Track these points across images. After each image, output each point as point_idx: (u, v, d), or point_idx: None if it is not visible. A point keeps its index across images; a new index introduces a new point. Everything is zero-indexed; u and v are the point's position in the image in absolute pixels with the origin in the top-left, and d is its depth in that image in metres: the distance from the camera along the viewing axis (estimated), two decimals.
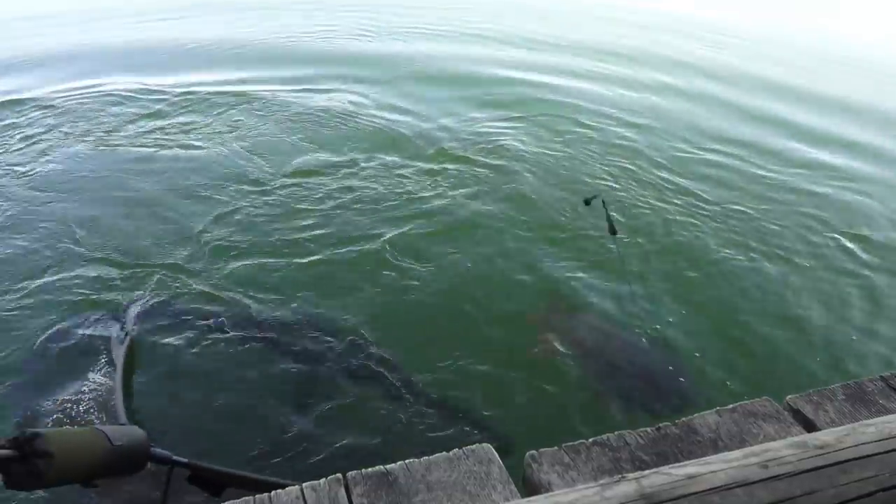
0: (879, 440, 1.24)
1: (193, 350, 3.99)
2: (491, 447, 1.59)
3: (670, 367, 4.04)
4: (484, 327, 4.33)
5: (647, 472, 1.19)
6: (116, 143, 7.05)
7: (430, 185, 6.26)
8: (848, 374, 4.07)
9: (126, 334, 3.88)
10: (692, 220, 5.97)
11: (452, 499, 1.44)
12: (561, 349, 4.14)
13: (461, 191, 6.17)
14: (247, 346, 4.06)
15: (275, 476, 2.43)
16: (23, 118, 7.67)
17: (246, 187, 6.03)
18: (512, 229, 5.56)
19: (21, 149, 6.81)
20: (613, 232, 4.36)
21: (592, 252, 5.27)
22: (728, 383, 3.99)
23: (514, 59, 11.65)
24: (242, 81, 9.29)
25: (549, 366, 4.02)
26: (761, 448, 1.24)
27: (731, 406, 1.74)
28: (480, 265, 5.01)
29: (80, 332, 4.05)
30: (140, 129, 7.42)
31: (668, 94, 10.25)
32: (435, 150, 7.10)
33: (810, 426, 1.67)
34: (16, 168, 6.35)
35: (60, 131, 7.28)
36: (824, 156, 8.03)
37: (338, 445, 3.36)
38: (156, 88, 8.75)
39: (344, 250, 5.10)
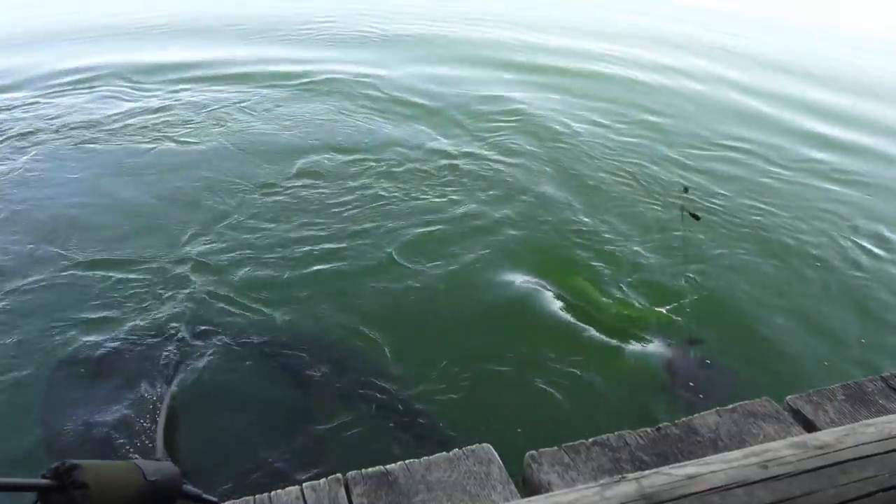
0: (879, 440, 1.24)
1: (191, 350, 3.99)
2: (491, 447, 1.60)
3: (707, 361, 4.14)
4: (488, 327, 4.34)
5: (647, 472, 1.19)
6: (102, 139, 7.02)
7: (439, 184, 6.25)
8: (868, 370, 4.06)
9: (175, 373, 3.79)
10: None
11: (452, 499, 1.44)
12: None
13: (481, 191, 6.17)
14: (246, 346, 4.05)
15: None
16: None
17: (249, 185, 6.03)
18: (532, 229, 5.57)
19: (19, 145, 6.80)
20: (696, 217, 5.40)
21: (607, 253, 5.29)
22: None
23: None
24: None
25: (549, 366, 4.02)
26: (761, 448, 1.24)
27: (731, 406, 1.75)
28: (493, 267, 4.99)
29: (121, 351, 3.92)
30: (124, 125, 7.39)
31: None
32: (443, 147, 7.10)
33: (810, 426, 1.67)
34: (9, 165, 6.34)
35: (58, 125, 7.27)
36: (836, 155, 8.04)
37: (338, 445, 3.35)
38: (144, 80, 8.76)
39: (349, 251, 5.07)
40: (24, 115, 7.67)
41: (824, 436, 1.27)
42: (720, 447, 1.59)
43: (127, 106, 8.00)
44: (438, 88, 9.08)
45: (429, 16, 14.04)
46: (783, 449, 1.22)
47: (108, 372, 3.76)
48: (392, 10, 14.20)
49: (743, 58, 12.39)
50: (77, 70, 9.32)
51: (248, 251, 5.00)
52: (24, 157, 6.52)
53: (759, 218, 6.06)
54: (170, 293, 4.47)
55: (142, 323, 4.16)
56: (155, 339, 4.03)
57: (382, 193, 6.01)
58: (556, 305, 4.54)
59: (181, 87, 8.70)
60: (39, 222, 5.37)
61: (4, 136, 7.04)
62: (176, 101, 8.16)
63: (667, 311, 4.59)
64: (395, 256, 5.00)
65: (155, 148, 6.81)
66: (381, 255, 5.03)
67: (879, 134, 8.86)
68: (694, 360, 4.14)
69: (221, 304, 4.39)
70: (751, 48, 13.42)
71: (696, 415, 1.72)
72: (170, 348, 3.95)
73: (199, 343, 4.03)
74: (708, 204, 6.22)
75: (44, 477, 1.50)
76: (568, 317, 4.43)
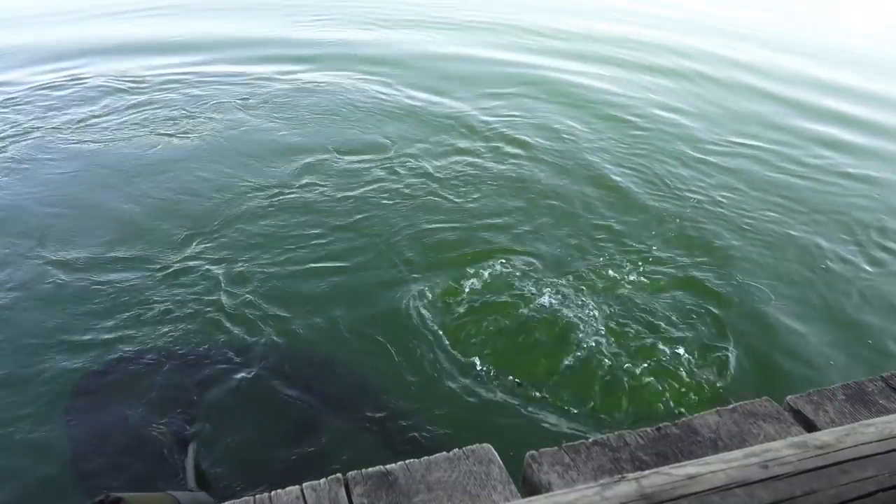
0: (879, 440, 1.24)
1: (193, 353, 3.99)
2: (491, 447, 1.60)
3: None
4: (488, 327, 4.33)
5: (647, 472, 1.19)
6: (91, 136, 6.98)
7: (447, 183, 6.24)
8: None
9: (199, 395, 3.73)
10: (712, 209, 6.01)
11: (453, 499, 1.44)
12: None
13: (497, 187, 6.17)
14: (246, 347, 4.06)
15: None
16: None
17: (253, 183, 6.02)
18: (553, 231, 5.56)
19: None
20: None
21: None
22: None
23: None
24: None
25: (549, 366, 4.01)
26: (761, 448, 1.24)
27: (731, 406, 1.75)
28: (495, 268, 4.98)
29: (129, 369, 3.84)
30: (115, 121, 7.36)
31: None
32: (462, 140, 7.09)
33: (810, 426, 1.67)
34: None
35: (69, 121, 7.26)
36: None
37: (338, 445, 3.35)
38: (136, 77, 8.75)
39: (354, 252, 5.06)
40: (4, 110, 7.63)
41: (824, 436, 1.27)
42: (720, 447, 1.59)
43: (119, 100, 7.96)
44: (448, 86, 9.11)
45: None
46: (783, 449, 1.22)
47: (122, 392, 3.68)
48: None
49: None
50: (66, 60, 9.33)
51: (248, 253, 4.98)
52: (10, 153, 6.46)
53: (775, 214, 6.07)
54: (169, 303, 4.41)
55: (145, 335, 4.09)
56: (160, 354, 3.95)
57: (404, 192, 5.97)
58: (556, 305, 4.53)
59: (177, 79, 8.69)
60: (24, 225, 5.29)
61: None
62: (173, 94, 8.14)
63: (674, 308, 4.58)
64: (400, 257, 5.00)
65: (153, 145, 6.77)
66: (387, 257, 5.01)
67: None
68: None
69: (222, 306, 4.39)
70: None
71: (696, 415, 1.72)
72: (176, 362, 3.90)
73: (199, 344, 4.03)
74: (720, 198, 6.23)
75: None
76: (569, 315, 4.43)
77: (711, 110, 8.98)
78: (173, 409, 3.56)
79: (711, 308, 4.64)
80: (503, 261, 4.98)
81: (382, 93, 8.61)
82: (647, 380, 3.91)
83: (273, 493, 1.46)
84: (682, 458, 1.55)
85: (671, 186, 6.47)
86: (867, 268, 5.41)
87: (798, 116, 9.08)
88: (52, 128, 7.13)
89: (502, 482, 1.49)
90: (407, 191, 6.00)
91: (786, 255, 5.47)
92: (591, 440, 1.62)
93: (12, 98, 7.99)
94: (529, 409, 3.69)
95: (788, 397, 1.78)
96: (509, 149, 7.06)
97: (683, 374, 4.00)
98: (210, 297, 4.45)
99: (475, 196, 5.99)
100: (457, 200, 5.87)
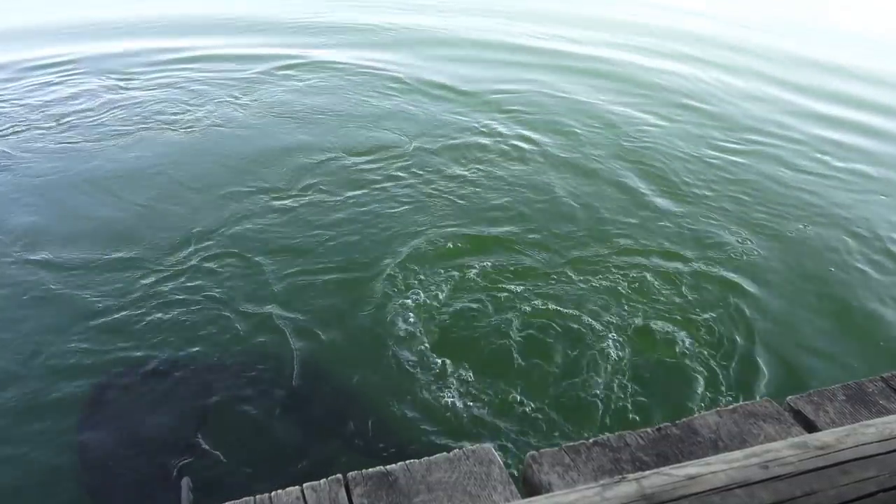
0: (880, 441, 1.24)
1: (185, 349, 3.99)
2: (491, 447, 1.60)
3: None
4: (490, 327, 4.33)
5: (647, 472, 1.19)
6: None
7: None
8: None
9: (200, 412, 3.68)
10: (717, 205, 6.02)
11: (453, 499, 1.44)
12: None
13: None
14: (246, 348, 4.06)
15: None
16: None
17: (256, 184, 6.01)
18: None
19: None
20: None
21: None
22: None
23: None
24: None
25: (549, 365, 4.01)
26: (762, 448, 1.24)
27: (731, 406, 1.75)
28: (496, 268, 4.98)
29: (134, 380, 3.81)
30: (119, 116, 7.37)
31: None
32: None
33: (811, 427, 1.67)
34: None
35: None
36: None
37: (338, 446, 3.36)
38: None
39: (357, 254, 5.06)
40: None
41: (825, 436, 1.27)
42: (721, 447, 1.59)
43: (113, 97, 7.95)
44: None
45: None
46: (784, 449, 1.22)
47: (126, 402, 3.68)
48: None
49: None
50: (57, 59, 9.25)
51: (247, 257, 4.97)
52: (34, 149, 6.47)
53: (788, 213, 6.06)
54: (165, 308, 4.38)
55: (148, 341, 4.08)
56: (162, 362, 3.94)
57: (411, 194, 5.96)
58: (557, 304, 4.53)
59: (174, 74, 8.69)
60: (22, 225, 5.27)
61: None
62: (171, 90, 8.14)
63: (683, 307, 4.59)
64: (400, 258, 5.00)
65: (148, 143, 6.76)
66: (387, 259, 5.00)
67: None
68: None
69: (222, 309, 4.39)
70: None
71: (696, 415, 1.72)
72: (178, 368, 3.88)
73: (200, 349, 4.02)
74: (730, 193, 6.24)
75: None
76: (570, 314, 4.43)
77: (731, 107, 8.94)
78: (174, 416, 3.56)
79: (719, 307, 4.64)
80: (504, 261, 4.98)
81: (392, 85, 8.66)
82: (649, 379, 3.91)
83: (273, 493, 1.46)
84: (682, 458, 1.55)
85: (685, 183, 6.47)
86: (883, 268, 5.38)
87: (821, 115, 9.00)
88: (52, 126, 7.12)
89: (503, 483, 1.49)
90: (407, 190, 5.99)
91: (798, 255, 5.44)
92: (591, 441, 1.62)
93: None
94: (530, 409, 3.69)
95: (789, 398, 1.78)
96: (509, 148, 7.05)
97: (685, 373, 4.00)
98: (210, 300, 4.44)
99: (480, 194, 5.99)
100: (460, 202, 5.87)
